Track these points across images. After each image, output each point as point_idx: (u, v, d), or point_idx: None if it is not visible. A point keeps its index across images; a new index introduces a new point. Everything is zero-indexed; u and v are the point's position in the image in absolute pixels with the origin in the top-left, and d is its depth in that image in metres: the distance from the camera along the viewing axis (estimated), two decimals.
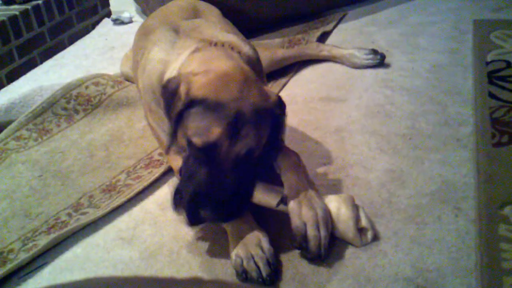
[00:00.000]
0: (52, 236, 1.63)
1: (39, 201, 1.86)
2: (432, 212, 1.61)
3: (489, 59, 2.46)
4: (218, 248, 1.57)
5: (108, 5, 4.14)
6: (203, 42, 1.72)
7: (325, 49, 2.77)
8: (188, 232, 1.64)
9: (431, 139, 1.98)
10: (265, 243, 1.50)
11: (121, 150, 2.12)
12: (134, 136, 2.22)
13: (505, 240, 1.43)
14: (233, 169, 1.40)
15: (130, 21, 3.84)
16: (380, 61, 2.65)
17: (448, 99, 2.24)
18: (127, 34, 3.50)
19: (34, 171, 2.04)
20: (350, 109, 2.26)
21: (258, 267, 1.44)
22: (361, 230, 1.51)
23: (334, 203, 1.53)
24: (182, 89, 1.44)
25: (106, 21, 3.94)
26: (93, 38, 3.66)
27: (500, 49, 2.55)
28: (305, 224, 1.46)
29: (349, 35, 3.11)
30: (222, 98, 1.39)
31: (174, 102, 1.47)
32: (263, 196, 1.59)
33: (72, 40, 3.62)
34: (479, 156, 1.81)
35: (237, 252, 1.48)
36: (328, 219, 1.50)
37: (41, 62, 3.28)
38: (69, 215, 1.75)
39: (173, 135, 1.49)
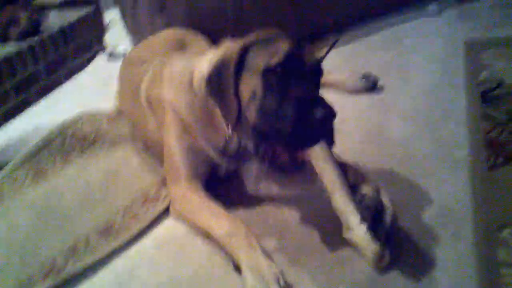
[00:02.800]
0: (48, 282, 1.62)
1: (35, 244, 1.85)
2: (430, 238, 1.59)
3: (481, 79, 2.46)
4: (218, 287, 1.55)
5: (103, 39, 4.17)
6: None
7: None
8: (186, 271, 1.63)
9: (426, 162, 1.98)
10: (282, 277, 1.47)
11: (117, 188, 2.11)
12: (130, 173, 2.21)
13: (505, 265, 1.42)
14: (316, 82, 1.53)
15: (125, 54, 3.86)
16: (373, 85, 2.65)
17: (442, 121, 2.24)
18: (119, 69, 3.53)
19: (31, 213, 2.03)
20: (345, 135, 2.25)
21: None
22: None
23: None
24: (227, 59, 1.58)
25: (101, 56, 3.97)
26: (89, 74, 3.68)
27: (491, 68, 2.56)
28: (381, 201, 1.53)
29: (342, 59, 3.12)
30: (269, 34, 1.58)
31: (226, 76, 1.56)
32: None
33: (68, 76, 3.64)
34: (475, 178, 1.80)
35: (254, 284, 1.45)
36: None
37: (37, 100, 3.29)
38: (66, 259, 1.73)
39: (238, 108, 1.55)
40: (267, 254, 1.54)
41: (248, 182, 1.94)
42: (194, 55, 1.95)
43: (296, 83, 1.48)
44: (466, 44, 2.93)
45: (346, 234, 1.53)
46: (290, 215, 1.80)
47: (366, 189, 1.57)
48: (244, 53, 1.57)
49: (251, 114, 1.55)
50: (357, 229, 1.49)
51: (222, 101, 1.61)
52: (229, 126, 1.67)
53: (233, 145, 1.80)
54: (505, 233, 1.53)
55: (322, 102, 1.44)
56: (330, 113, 1.44)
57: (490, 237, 1.52)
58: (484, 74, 2.51)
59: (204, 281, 1.58)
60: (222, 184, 1.95)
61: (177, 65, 1.91)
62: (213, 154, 1.83)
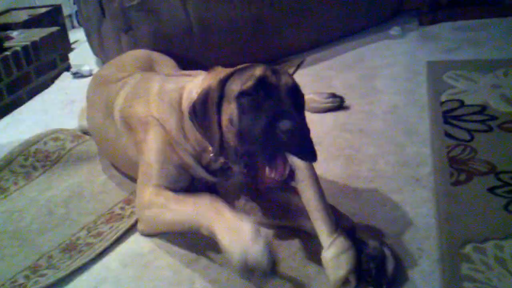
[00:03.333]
0: None
1: None
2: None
3: (443, 99, 2.52)
4: None
5: (67, 58, 4.13)
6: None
7: None
8: None
9: (391, 180, 2.01)
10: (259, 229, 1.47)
11: (82, 206, 2.08)
12: (95, 191, 2.18)
13: (468, 279, 1.43)
14: (291, 102, 1.54)
15: (90, 74, 3.82)
16: (339, 104, 2.69)
17: (407, 140, 2.28)
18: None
19: None
20: None
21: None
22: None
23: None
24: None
25: (66, 75, 3.93)
26: (53, 93, 3.64)
27: (453, 89, 2.62)
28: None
29: (308, 80, 3.16)
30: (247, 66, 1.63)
31: (209, 107, 1.61)
32: None
33: (31, 95, 3.58)
34: (438, 195, 1.83)
35: (239, 246, 1.41)
36: None
37: None
38: (27, 277, 1.69)
39: (220, 136, 1.60)
40: (238, 214, 1.52)
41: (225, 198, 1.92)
42: (177, 77, 1.95)
43: (270, 105, 1.51)
44: (428, 65, 2.99)
45: (321, 254, 1.52)
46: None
47: (365, 236, 1.57)
48: (224, 83, 1.62)
49: (231, 138, 1.58)
50: (326, 252, 1.49)
51: (206, 129, 1.65)
52: (213, 150, 1.68)
53: (218, 163, 1.80)
54: (468, 248, 1.55)
55: (292, 117, 1.46)
56: (300, 126, 1.47)
57: (453, 253, 1.54)
58: (445, 95, 2.56)
59: None
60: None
61: (167, 85, 1.90)
62: (197, 169, 1.82)
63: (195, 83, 1.79)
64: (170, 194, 1.74)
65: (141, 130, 1.90)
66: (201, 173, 1.82)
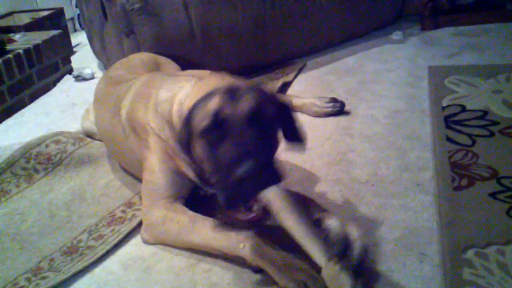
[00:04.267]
0: None
1: None
2: (397, 259, 1.60)
3: (444, 104, 2.52)
4: None
5: (70, 61, 4.13)
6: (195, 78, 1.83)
7: (286, 99, 2.81)
8: None
9: (393, 185, 2.01)
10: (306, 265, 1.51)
11: (83, 209, 2.08)
12: (97, 193, 2.18)
13: (470, 284, 1.43)
14: (250, 130, 1.48)
15: (92, 77, 3.84)
16: (340, 109, 2.69)
17: (408, 144, 2.28)
18: (89, 91, 3.48)
19: None
20: (312, 158, 2.28)
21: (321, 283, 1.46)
22: None
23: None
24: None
25: (68, 78, 3.93)
26: (54, 96, 3.64)
27: (454, 94, 2.62)
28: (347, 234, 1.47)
29: (309, 84, 3.16)
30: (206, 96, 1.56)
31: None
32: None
33: (33, 98, 3.58)
34: (440, 200, 1.83)
35: (296, 278, 1.48)
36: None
37: (0, 122, 3.23)
38: (28, 280, 1.69)
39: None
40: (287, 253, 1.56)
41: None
42: (175, 81, 1.91)
43: (228, 144, 1.47)
44: (430, 70, 3.00)
45: (321, 274, 1.51)
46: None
47: (330, 224, 1.54)
48: (189, 119, 1.59)
49: (207, 171, 1.58)
50: (325, 270, 1.48)
51: (189, 159, 1.66)
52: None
53: None
54: (470, 253, 1.55)
55: (248, 156, 1.41)
56: (259, 162, 1.41)
57: (455, 258, 1.53)
58: (447, 99, 2.57)
59: None
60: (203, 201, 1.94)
61: (161, 94, 1.87)
62: (195, 179, 1.82)
63: (185, 92, 1.75)
64: (190, 213, 1.77)
65: (143, 135, 1.92)
66: (199, 183, 1.82)
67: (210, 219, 1.73)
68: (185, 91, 1.76)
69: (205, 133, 1.51)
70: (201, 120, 1.52)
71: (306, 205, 1.68)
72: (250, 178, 1.39)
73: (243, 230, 1.62)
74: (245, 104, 1.51)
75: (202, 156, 1.56)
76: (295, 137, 1.73)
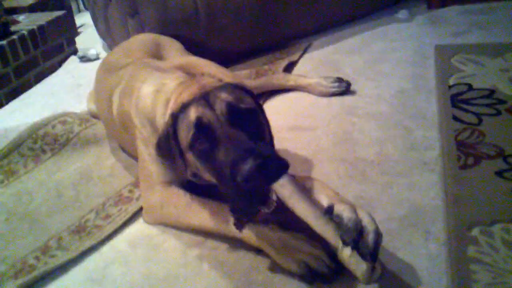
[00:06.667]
0: (20, 281, 1.59)
1: (5, 245, 1.82)
2: (402, 237, 1.61)
3: (451, 83, 2.51)
4: (190, 286, 1.55)
5: (74, 42, 4.14)
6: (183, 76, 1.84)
7: (292, 79, 2.80)
8: (159, 270, 1.62)
9: (399, 163, 2.01)
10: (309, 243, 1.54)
11: (90, 188, 2.10)
12: (103, 173, 2.20)
13: (475, 261, 1.44)
14: (237, 128, 1.48)
15: (97, 58, 3.84)
16: (346, 88, 2.68)
17: (414, 124, 2.28)
18: (94, 71, 3.47)
19: (0, 214, 2.00)
20: (318, 138, 2.28)
21: (323, 261, 1.49)
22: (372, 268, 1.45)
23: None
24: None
25: (73, 59, 3.94)
26: (60, 76, 3.65)
27: (461, 73, 2.61)
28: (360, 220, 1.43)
29: (314, 64, 3.15)
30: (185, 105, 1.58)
31: (168, 147, 1.63)
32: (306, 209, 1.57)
33: (38, 79, 3.60)
34: (446, 179, 1.83)
35: (296, 258, 1.50)
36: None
37: (7, 103, 3.24)
38: (37, 258, 1.71)
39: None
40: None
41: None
42: (159, 77, 1.89)
43: (222, 142, 1.46)
44: (436, 49, 2.98)
45: (338, 256, 1.52)
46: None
47: (342, 210, 1.52)
48: (175, 130, 1.60)
49: (210, 178, 1.59)
50: (341, 253, 1.48)
51: (172, 163, 1.68)
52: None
53: None
54: (475, 231, 1.55)
55: (249, 151, 1.39)
56: (265, 158, 1.38)
57: (460, 236, 1.54)
58: (453, 78, 2.55)
59: (178, 279, 1.57)
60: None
61: (144, 89, 1.87)
62: (190, 178, 1.82)
63: (167, 90, 1.77)
64: (187, 195, 1.78)
65: (131, 128, 1.95)
66: (194, 180, 1.80)
67: (207, 201, 1.74)
68: (168, 90, 1.78)
69: (193, 145, 1.53)
70: (187, 133, 1.54)
71: (314, 188, 1.66)
72: (256, 176, 1.35)
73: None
74: (221, 104, 1.52)
75: (198, 166, 1.58)
76: None
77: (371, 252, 1.36)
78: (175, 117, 1.60)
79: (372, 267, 1.41)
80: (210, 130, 1.49)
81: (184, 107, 1.58)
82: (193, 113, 1.53)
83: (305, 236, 1.56)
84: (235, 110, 1.52)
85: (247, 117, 1.53)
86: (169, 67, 1.95)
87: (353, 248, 1.39)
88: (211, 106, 1.52)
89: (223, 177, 1.43)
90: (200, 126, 1.50)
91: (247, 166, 1.34)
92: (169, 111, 1.69)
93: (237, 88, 1.63)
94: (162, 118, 1.75)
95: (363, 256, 1.37)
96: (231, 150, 1.41)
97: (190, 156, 1.58)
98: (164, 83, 1.81)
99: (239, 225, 1.54)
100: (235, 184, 1.38)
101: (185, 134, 1.55)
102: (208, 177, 1.60)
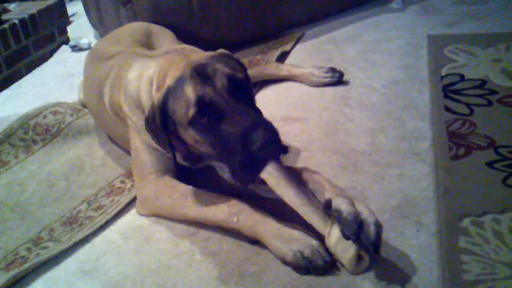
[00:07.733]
0: (12, 273, 1.59)
1: None
2: (394, 228, 1.62)
3: (443, 73, 2.51)
4: (183, 276, 1.55)
5: (66, 32, 4.10)
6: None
7: (285, 68, 2.80)
8: (151, 261, 1.62)
9: (391, 154, 2.01)
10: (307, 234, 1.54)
11: (82, 179, 2.09)
12: (95, 164, 2.19)
13: (466, 252, 1.45)
14: (239, 100, 1.52)
15: (89, 47, 3.81)
16: (338, 79, 2.68)
17: (406, 114, 2.28)
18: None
19: None
20: (310, 128, 2.28)
21: (319, 253, 1.48)
22: (359, 258, 1.46)
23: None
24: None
25: (64, 48, 3.91)
26: (51, 66, 3.62)
27: (453, 63, 2.61)
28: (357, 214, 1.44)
29: (307, 54, 3.14)
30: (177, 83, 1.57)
31: (156, 125, 1.63)
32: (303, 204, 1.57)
33: (30, 68, 3.57)
34: (437, 169, 1.84)
35: (292, 248, 1.50)
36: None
37: None
38: (29, 249, 1.71)
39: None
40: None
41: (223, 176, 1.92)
42: (145, 62, 1.89)
43: (228, 117, 1.49)
44: (429, 39, 2.98)
45: (325, 244, 1.52)
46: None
47: (340, 203, 1.51)
48: (164, 107, 1.60)
49: (208, 151, 1.61)
50: (328, 239, 1.49)
51: (158, 141, 1.67)
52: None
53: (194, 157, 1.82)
54: (466, 222, 1.56)
55: (260, 124, 1.46)
56: (271, 133, 1.46)
57: (451, 226, 1.55)
58: (446, 69, 2.56)
59: (170, 270, 1.58)
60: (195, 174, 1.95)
61: (130, 73, 1.87)
62: (181, 162, 1.83)
63: (152, 71, 1.77)
64: (182, 186, 1.78)
65: (123, 117, 1.94)
66: (185, 164, 1.83)
67: (201, 191, 1.74)
68: (152, 70, 1.77)
69: (195, 122, 1.53)
70: (186, 111, 1.53)
71: (313, 184, 1.66)
72: (263, 149, 1.42)
73: (236, 203, 1.65)
74: (222, 78, 1.54)
75: (199, 140, 1.58)
76: None
77: (373, 243, 1.39)
78: (166, 94, 1.59)
79: (359, 256, 1.44)
80: (213, 106, 1.51)
81: (177, 83, 1.57)
82: (190, 91, 1.53)
83: (302, 227, 1.56)
84: (234, 81, 1.55)
85: (244, 85, 1.58)
86: (157, 54, 1.94)
87: (354, 241, 1.40)
88: (209, 80, 1.54)
89: (229, 147, 1.47)
90: (202, 104, 1.51)
91: (261, 136, 1.41)
92: (155, 87, 1.69)
93: (228, 57, 1.67)
94: (146, 95, 1.76)
95: (365, 248, 1.40)
96: (239, 122, 1.46)
97: (189, 131, 1.58)
98: (148, 66, 1.81)
99: (244, 183, 1.54)
100: (245, 153, 1.43)
101: (182, 112, 1.55)
102: (205, 149, 1.60)
